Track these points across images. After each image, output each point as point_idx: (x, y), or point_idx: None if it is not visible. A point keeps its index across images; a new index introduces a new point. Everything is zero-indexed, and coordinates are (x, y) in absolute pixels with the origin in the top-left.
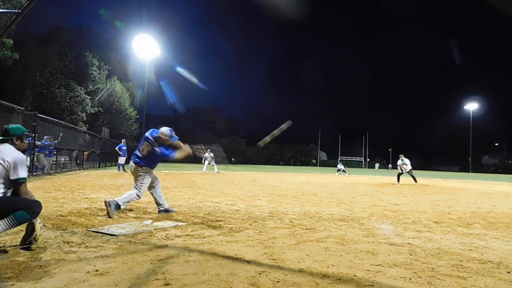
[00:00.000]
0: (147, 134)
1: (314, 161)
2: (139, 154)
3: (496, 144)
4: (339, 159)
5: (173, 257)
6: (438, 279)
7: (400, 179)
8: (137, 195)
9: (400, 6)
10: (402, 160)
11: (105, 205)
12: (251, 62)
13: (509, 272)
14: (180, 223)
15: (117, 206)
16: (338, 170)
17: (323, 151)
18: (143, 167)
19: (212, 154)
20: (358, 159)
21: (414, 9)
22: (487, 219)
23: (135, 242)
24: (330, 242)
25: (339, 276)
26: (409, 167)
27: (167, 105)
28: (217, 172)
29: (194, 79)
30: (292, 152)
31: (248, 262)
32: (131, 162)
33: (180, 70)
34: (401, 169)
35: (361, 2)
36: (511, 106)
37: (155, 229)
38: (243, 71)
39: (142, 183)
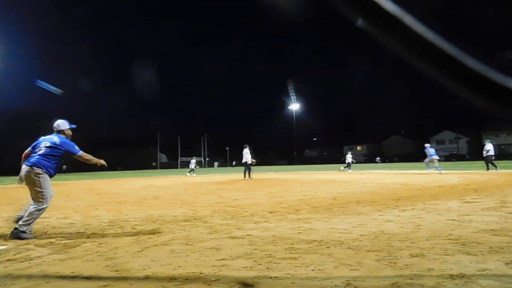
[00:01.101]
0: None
1: (154, 164)
2: (36, 155)
3: (316, 138)
4: (186, 157)
5: None
6: (275, 263)
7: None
8: (42, 209)
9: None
10: (247, 147)
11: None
12: (75, 57)
13: (328, 247)
14: None
15: (21, 233)
16: (191, 170)
17: (163, 153)
18: (43, 170)
19: None
20: (198, 159)
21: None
22: (311, 204)
23: None
24: (175, 244)
25: (186, 276)
26: (247, 158)
27: None
28: None
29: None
30: (130, 156)
31: (89, 278)
32: (24, 167)
33: None
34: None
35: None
36: (326, 106)
37: None
38: (70, 68)
39: (44, 191)
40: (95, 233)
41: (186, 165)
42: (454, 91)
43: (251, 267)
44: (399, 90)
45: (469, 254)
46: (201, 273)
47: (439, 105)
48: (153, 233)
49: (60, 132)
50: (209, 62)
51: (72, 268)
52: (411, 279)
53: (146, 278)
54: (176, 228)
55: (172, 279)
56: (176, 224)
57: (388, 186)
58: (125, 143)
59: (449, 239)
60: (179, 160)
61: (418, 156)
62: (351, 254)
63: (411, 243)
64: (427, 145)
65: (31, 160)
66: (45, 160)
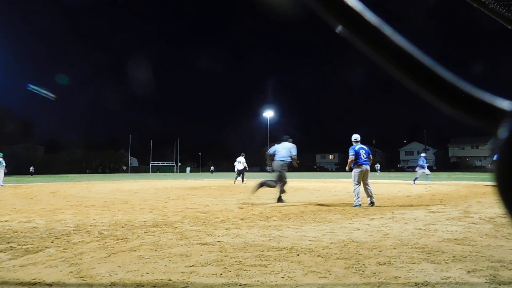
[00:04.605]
0: (363, 147)
1: (124, 167)
2: (365, 159)
3: None
4: (158, 161)
5: None
6: (245, 270)
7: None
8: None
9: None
10: (242, 156)
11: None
12: (47, 53)
13: (298, 255)
14: None
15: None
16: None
17: (134, 157)
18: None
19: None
20: (170, 163)
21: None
22: (282, 212)
23: None
24: (143, 250)
25: (154, 283)
26: (242, 166)
27: None
28: (2, 185)
29: None
30: (100, 159)
31: (51, 285)
32: (365, 166)
33: None
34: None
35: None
36: (298, 115)
37: None
38: (36, 62)
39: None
40: (59, 238)
41: (157, 169)
42: (429, 101)
43: (221, 274)
44: (371, 101)
45: (434, 263)
46: (170, 279)
47: (408, 117)
48: (121, 239)
49: (360, 142)
50: (183, 67)
51: (33, 274)
52: (378, 286)
53: (112, 284)
54: (145, 234)
55: (139, 285)
56: (145, 230)
57: None
58: (94, 145)
59: (415, 247)
60: (150, 164)
61: (388, 166)
62: (320, 261)
63: (379, 251)
64: (422, 154)
65: (366, 162)
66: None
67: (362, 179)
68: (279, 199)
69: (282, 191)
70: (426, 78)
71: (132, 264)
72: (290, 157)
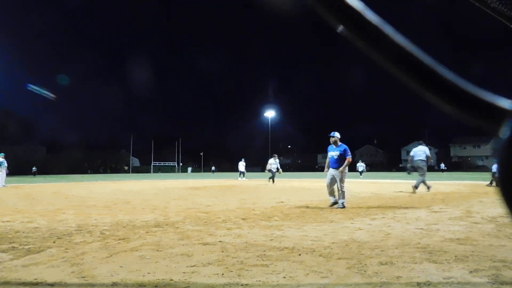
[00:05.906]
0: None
1: (126, 167)
2: None
3: (289, 146)
4: (159, 162)
5: None
6: (246, 270)
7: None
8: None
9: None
10: (275, 159)
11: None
12: (47, 51)
13: (300, 255)
14: None
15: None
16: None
17: (136, 157)
18: None
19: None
20: (171, 164)
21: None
22: (284, 212)
23: None
24: (145, 250)
25: (155, 283)
26: (275, 167)
27: None
28: (4, 185)
29: None
30: (101, 159)
31: (52, 285)
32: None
33: None
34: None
35: None
36: (299, 115)
37: None
38: (38, 62)
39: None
40: (61, 238)
41: (158, 169)
42: (430, 101)
43: (222, 274)
44: (372, 100)
45: (436, 262)
46: (171, 279)
47: (410, 116)
48: (123, 239)
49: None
50: (185, 67)
51: (35, 274)
52: (380, 286)
53: (114, 284)
54: (146, 234)
55: (140, 285)
56: (147, 230)
57: (359, 195)
58: (96, 145)
59: (417, 247)
60: (152, 164)
61: (389, 165)
62: (322, 261)
63: (381, 251)
64: None
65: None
66: None
67: None
68: (428, 188)
69: (424, 182)
70: (427, 78)
71: (133, 264)
72: (426, 156)
